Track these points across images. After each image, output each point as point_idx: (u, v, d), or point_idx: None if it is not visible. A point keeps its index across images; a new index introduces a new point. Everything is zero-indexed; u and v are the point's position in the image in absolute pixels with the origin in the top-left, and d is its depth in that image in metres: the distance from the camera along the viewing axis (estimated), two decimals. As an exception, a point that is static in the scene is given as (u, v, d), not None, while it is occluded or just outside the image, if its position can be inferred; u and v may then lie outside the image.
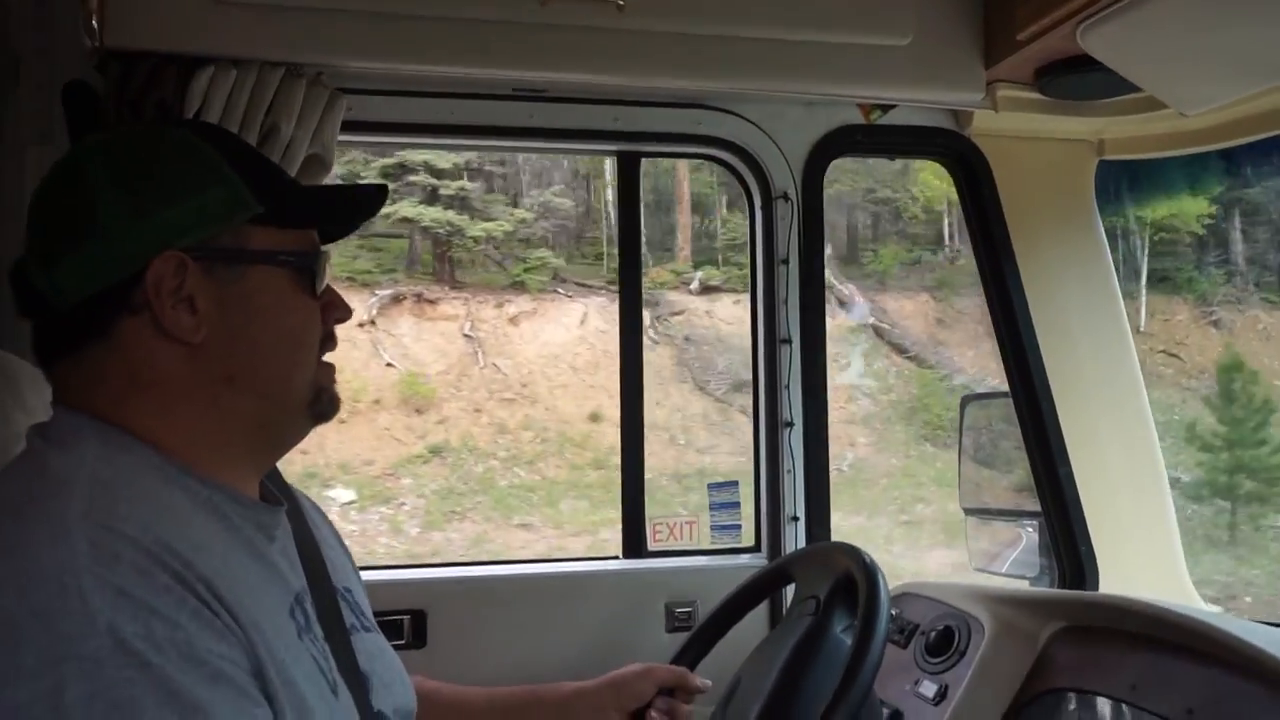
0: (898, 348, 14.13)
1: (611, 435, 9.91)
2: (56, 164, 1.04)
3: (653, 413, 6.64)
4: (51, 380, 1.02)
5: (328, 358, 1.11)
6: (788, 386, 2.08)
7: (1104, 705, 1.47)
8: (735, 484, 2.15)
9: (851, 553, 1.40)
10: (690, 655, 1.56)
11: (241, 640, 0.88)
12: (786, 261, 2.09)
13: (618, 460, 2.07)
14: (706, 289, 14.04)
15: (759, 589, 1.64)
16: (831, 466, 2.07)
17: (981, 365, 13.25)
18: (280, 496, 1.14)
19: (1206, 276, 14.78)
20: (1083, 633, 1.59)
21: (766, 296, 2.12)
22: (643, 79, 1.82)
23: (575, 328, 13.37)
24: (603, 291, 13.61)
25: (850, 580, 1.35)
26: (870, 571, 1.33)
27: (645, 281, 2.62)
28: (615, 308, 2.07)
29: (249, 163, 1.05)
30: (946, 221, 14.81)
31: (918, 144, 2.16)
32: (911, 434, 13.13)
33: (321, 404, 1.09)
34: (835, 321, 13.90)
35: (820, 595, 1.39)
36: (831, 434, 2.09)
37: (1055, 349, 2.11)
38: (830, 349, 2.04)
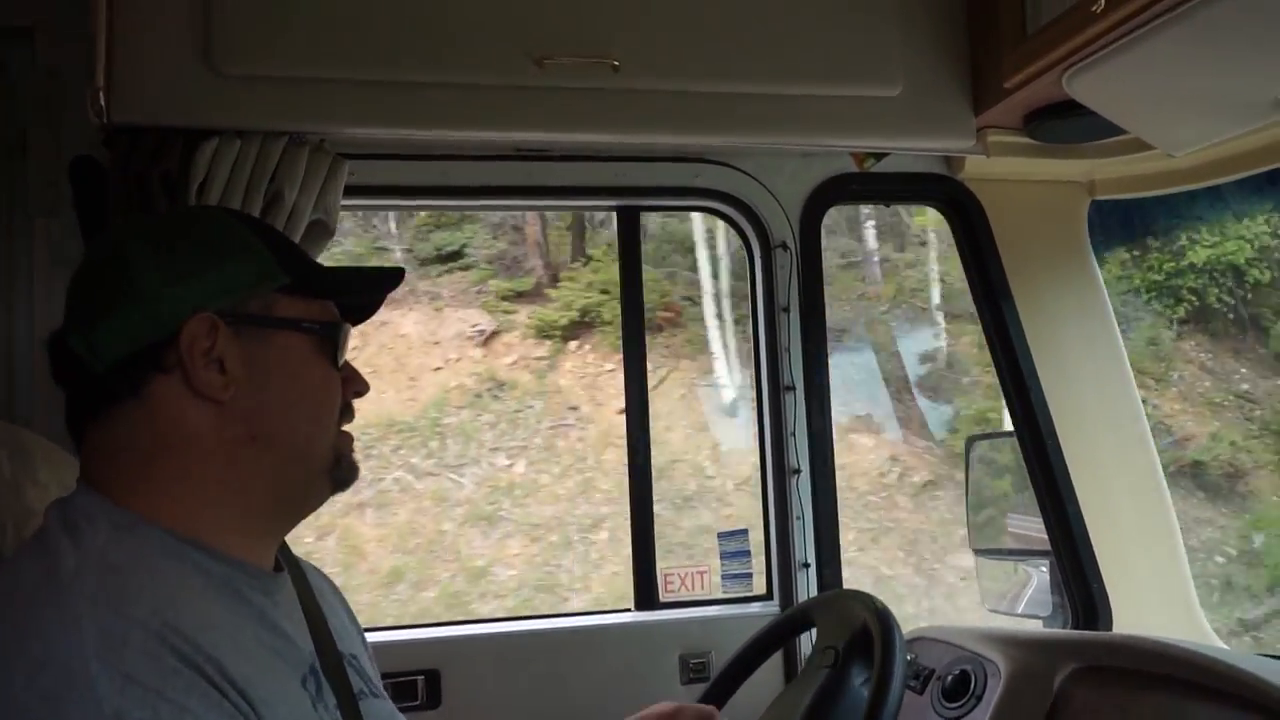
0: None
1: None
2: (96, 242, 1.09)
3: None
4: (80, 450, 1.04)
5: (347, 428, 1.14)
6: (794, 434, 2.09)
7: (1124, 747, 1.46)
8: (745, 532, 2.14)
9: (868, 602, 1.40)
10: (709, 704, 1.55)
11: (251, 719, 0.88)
12: (788, 309, 2.11)
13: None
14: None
15: (776, 636, 1.64)
16: None
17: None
18: (284, 563, 1.15)
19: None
20: (1098, 673, 1.58)
21: (769, 344, 2.14)
22: (640, 136, 1.85)
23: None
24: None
25: (868, 631, 1.35)
26: (886, 623, 1.32)
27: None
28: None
29: (275, 240, 1.11)
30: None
31: (911, 190, 2.20)
32: None
33: (341, 469, 1.11)
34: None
35: (839, 647, 1.39)
36: None
37: (1057, 387, 2.12)
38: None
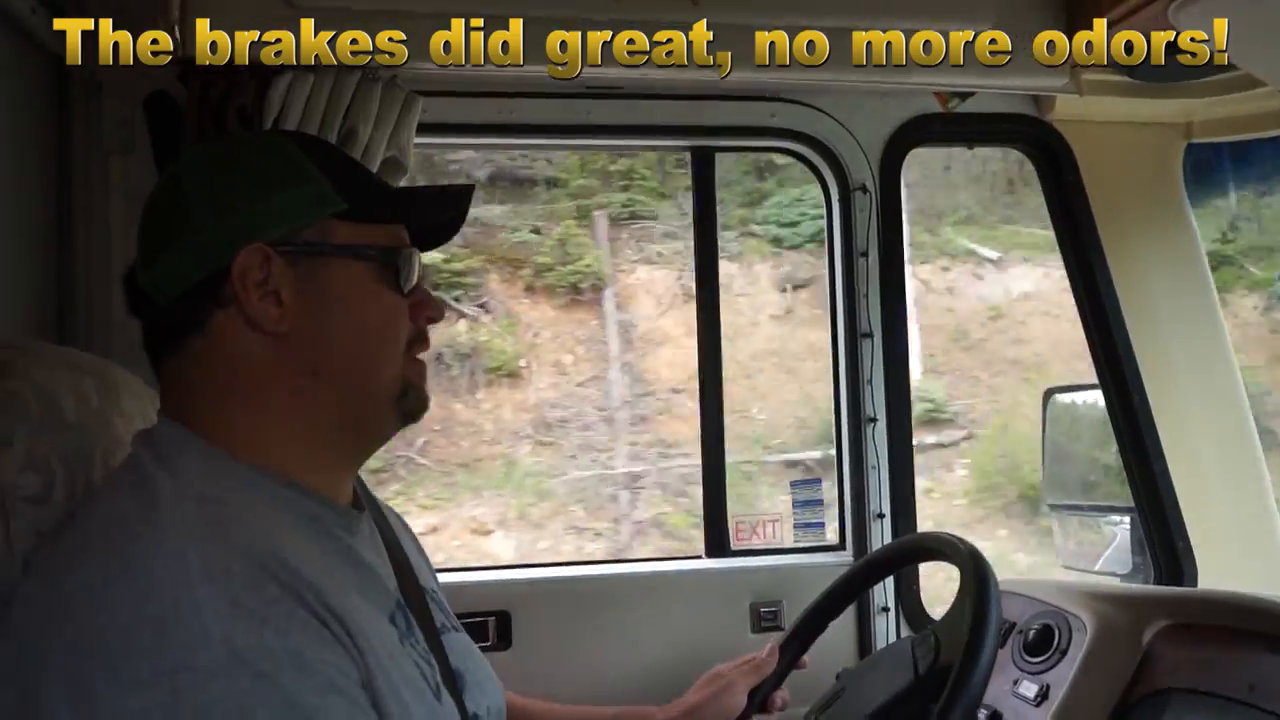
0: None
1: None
2: (163, 173, 1.08)
3: None
4: (159, 381, 1.04)
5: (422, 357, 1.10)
6: (870, 381, 2.05)
7: (1219, 706, 1.41)
8: (819, 481, 2.12)
9: (976, 620, 1.23)
10: (841, 603, 1.57)
11: (350, 650, 0.88)
12: (866, 254, 2.05)
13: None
14: None
15: (908, 555, 1.62)
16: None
17: None
18: (363, 500, 1.15)
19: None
20: (1189, 630, 1.54)
21: (846, 290, 2.09)
22: (717, 73, 1.79)
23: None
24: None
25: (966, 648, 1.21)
26: (978, 643, 1.20)
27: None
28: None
29: (335, 163, 1.07)
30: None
31: (998, 132, 2.12)
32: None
33: (409, 401, 1.08)
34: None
35: (941, 644, 1.28)
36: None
37: (1146, 339, 2.05)
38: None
